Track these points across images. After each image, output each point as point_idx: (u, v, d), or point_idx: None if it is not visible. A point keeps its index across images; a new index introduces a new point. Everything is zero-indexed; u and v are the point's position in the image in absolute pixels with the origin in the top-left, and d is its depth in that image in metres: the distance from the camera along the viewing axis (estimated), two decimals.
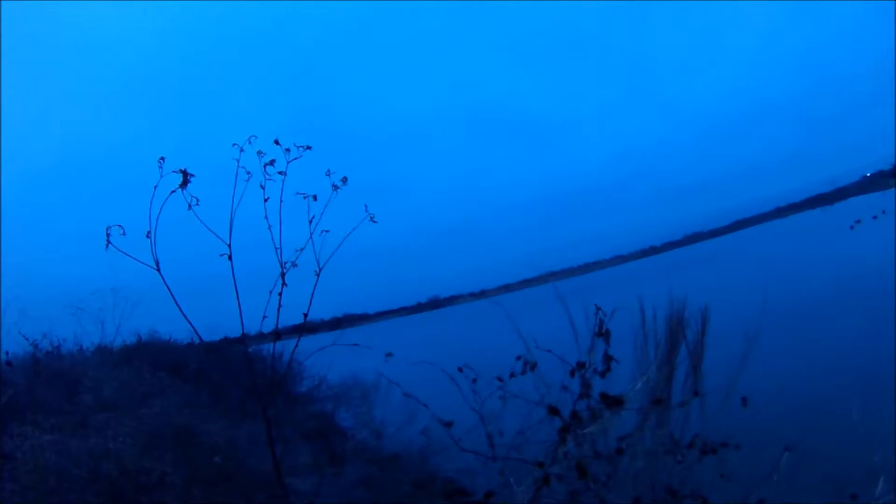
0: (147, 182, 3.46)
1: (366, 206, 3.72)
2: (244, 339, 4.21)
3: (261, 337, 4.35)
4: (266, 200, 3.75)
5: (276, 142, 3.52)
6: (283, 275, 3.74)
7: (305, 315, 3.98)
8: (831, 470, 5.13)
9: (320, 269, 3.69)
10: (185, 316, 3.81)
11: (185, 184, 3.46)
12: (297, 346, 4.23)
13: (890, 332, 10.20)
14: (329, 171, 3.74)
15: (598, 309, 3.30)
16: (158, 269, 3.62)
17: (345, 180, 3.78)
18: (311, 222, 3.57)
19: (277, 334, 3.90)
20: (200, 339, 5.57)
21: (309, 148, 3.56)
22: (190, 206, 3.41)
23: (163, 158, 3.69)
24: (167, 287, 3.68)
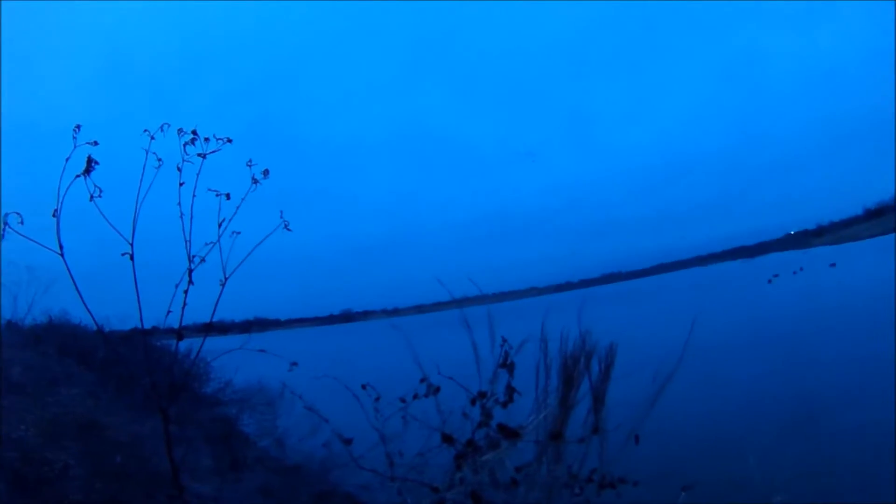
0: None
1: (281, 212, 3.60)
2: (146, 333, 4.01)
3: (171, 331, 4.15)
4: (181, 185, 3.59)
5: (194, 132, 3.35)
6: (189, 271, 3.56)
7: (211, 321, 3.80)
8: None
9: (226, 279, 3.53)
10: (85, 305, 3.59)
11: (87, 171, 3.24)
12: (202, 346, 4.07)
13: (791, 378, 10.83)
14: (250, 161, 3.61)
15: (504, 341, 3.33)
16: (62, 254, 3.39)
17: (266, 173, 3.64)
18: (220, 225, 3.39)
19: (180, 334, 3.70)
20: (101, 328, 5.31)
21: (230, 140, 3.41)
22: (92, 196, 3.19)
23: (78, 126, 3.48)
24: (69, 274, 3.45)
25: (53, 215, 3.39)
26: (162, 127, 3.41)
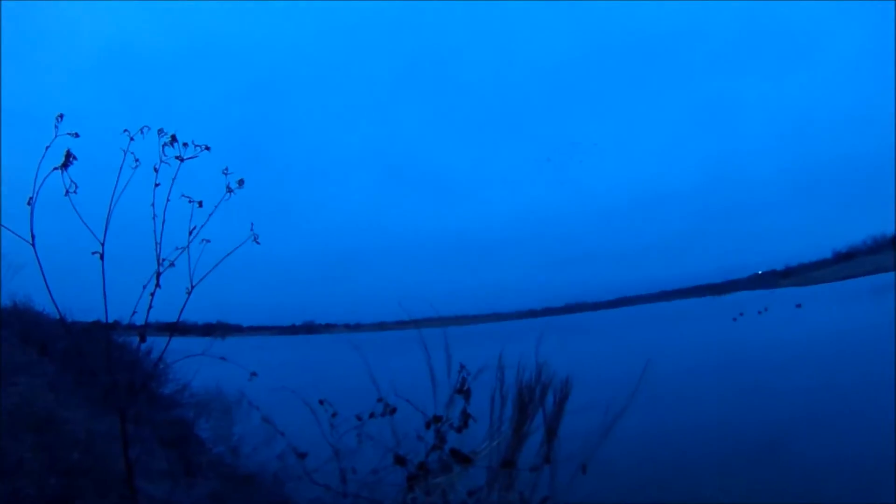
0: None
1: (251, 224, 3.63)
2: (108, 327, 3.97)
3: (133, 328, 4.13)
4: (156, 186, 3.60)
5: (173, 137, 3.37)
6: (157, 275, 3.56)
7: (175, 324, 3.80)
8: None
9: (192, 287, 3.54)
10: (50, 294, 3.56)
11: (65, 165, 3.24)
12: (165, 348, 4.04)
13: (746, 415, 11.06)
14: (226, 169, 3.64)
15: (462, 367, 3.38)
16: (33, 244, 3.38)
17: (241, 183, 3.67)
18: (190, 233, 3.41)
19: (143, 335, 3.69)
20: (63, 318, 5.21)
21: (207, 148, 3.45)
22: (67, 192, 3.20)
23: (60, 116, 3.48)
24: (39, 264, 3.43)
25: (28, 204, 3.39)
26: (142, 129, 3.44)
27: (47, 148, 3.39)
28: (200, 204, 3.40)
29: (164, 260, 3.60)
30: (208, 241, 3.48)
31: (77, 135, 3.48)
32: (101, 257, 3.31)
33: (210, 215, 3.53)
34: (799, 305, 47.64)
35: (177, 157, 3.51)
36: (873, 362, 15.22)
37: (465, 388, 3.33)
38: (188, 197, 3.39)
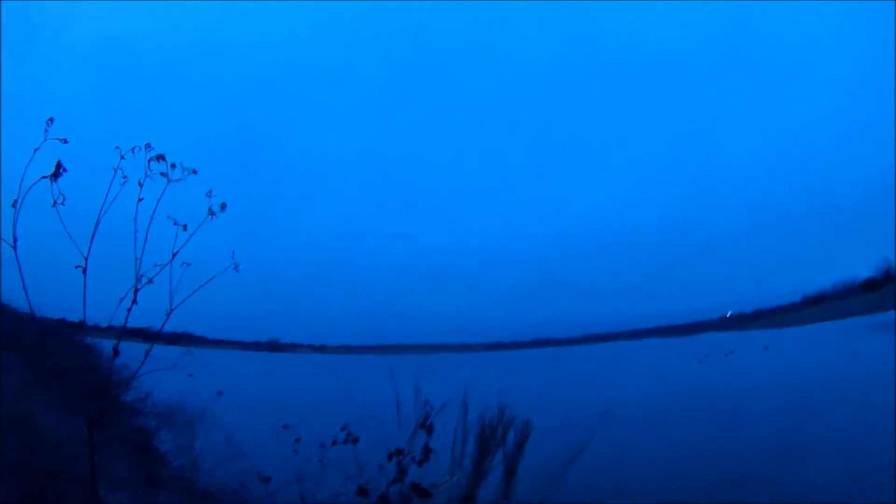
0: None
1: (233, 253, 3.71)
2: (77, 326, 3.99)
3: (101, 330, 4.15)
4: (140, 200, 3.67)
5: (162, 156, 3.46)
6: (135, 291, 3.62)
7: (146, 335, 3.84)
8: None
9: (171, 310, 3.60)
10: (26, 293, 3.58)
11: (55, 176, 3.30)
12: (143, 361, 4.06)
13: (707, 455, 11.22)
14: (210, 191, 3.72)
15: (427, 402, 3.47)
16: (15, 248, 3.41)
17: (223, 206, 3.75)
18: (174, 256, 3.48)
19: (116, 350, 3.72)
20: (34, 315, 5.17)
21: (195, 172, 3.53)
22: (55, 202, 3.25)
23: (51, 119, 3.53)
24: (18, 265, 3.47)
25: (13, 206, 3.42)
26: (133, 149, 3.52)
27: (36, 150, 3.46)
28: (185, 227, 3.47)
29: (142, 276, 3.66)
30: (189, 264, 3.55)
31: (66, 140, 3.55)
32: (84, 272, 3.36)
33: (191, 236, 3.61)
34: (766, 348, 48.03)
35: (162, 174, 3.60)
36: (837, 406, 15.48)
37: (429, 422, 3.42)
38: (173, 219, 3.46)
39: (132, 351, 3.94)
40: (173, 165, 3.58)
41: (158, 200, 3.47)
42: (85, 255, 3.39)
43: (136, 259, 3.63)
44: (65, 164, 3.32)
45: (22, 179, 3.43)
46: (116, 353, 3.67)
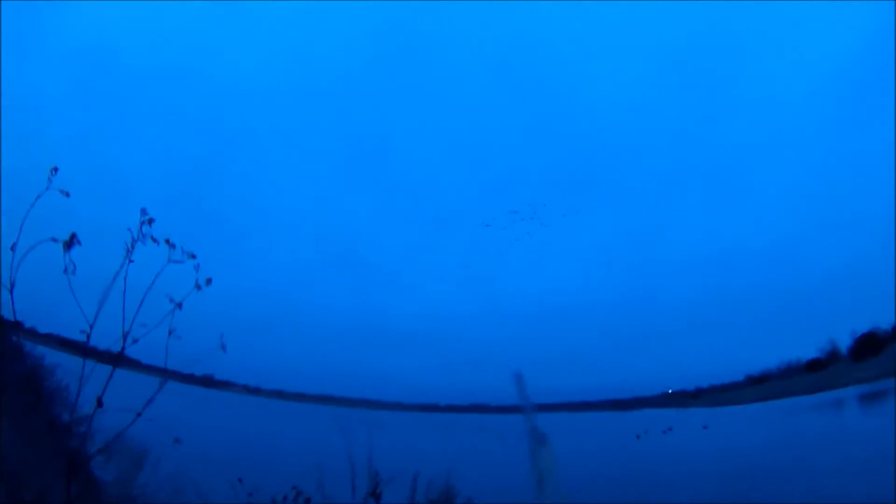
0: None
1: (221, 335, 4.17)
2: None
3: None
4: (130, 262, 4.10)
5: (168, 241, 3.96)
6: (122, 349, 4.01)
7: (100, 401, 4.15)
8: None
9: (161, 386, 3.97)
10: None
11: (69, 246, 3.73)
12: (106, 386, 4.22)
13: None
14: (198, 265, 4.18)
15: (377, 473, 3.84)
16: (11, 293, 3.77)
17: (209, 281, 4.21)
18: (170, 333, 3.93)
19: (100, 402, 4.02)
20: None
21: (193, 257, 4.02)
22: (66, 270, 3.68)
23: (55, 168, 3.97)
24: (13, 311, 3.83)
25: (11, 249, 3.79)
26: (142, 225, 4.02)
27: (38, 198, 3.89)
28: (180, 306, 3.94)
29: (127, 334, 4.07)
30: (174, 330, 4.01)
31: (68, 194, 4.01)
32: (88, 337, 3.77)
33: (179, 304, 4.07)
34: (705, 426, 48.40)
35: (152, 239, 4.08)
36: (773, 485, 15.90)
37: (377, 491, 3.77)
38: (169, 297, 3.94)
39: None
40: (169, 242, 4.08)
41: (155, 278, 3.93)
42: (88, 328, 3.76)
43: (122, 318, 4.04)
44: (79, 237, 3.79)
45: (21, 223, 3.86)
46: (100, 404, 4.02)
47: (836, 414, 42.99)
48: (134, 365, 4.15)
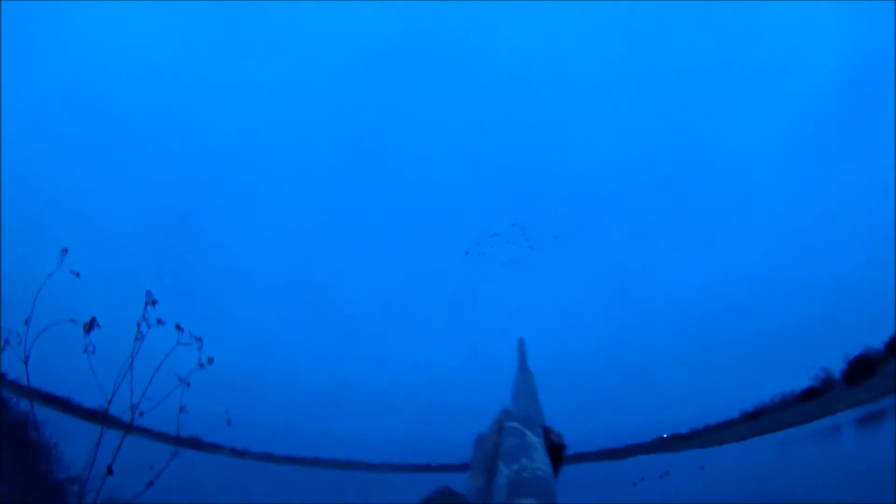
0: None
1: (227, 410, 4.60)
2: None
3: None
4: (137, 340, 4.53)
5: (178, 326, 4.42)
6: (131, 421, 4.40)
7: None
8: None
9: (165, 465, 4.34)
10: None
11: (89, 329, 4.17)
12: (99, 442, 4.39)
13: None
14: (200, 345, 4.61)
15: None
16: (26, 365, 4.13)
17: (211, 360, 4.65)
18: (181, 411, 4.37)
19: (110, 469, 4.37)
20: None
21: (200, 340, 4.48)
22: (86, 349, 4.12)
23: (65, 249, 4.40)
24: (27, 379, 4.21)
25: (25, 323, 4.16)
26: (146, 308, 4.48)
27: (50, 276, 4.32)
28: (188, 384, 4.40)
29: (136, 405, 4.46)
30: (183, 408, 4.44)
31: (78, 274, 4.44)
32: (107, 411, 4.18)
33: (186, 383, 4.50)
34: (702, 467, 47.94)
35: (158, 321, 4.53)
36: None
37: None
38: (179, 376, 4.39)
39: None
40: (180, 329, 4.54)
41: (160, 366, 4.37)
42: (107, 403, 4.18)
43: (130, 392, 4.44)
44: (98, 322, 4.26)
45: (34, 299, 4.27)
46: (110, 471, 4.36)
47: (834, 440, 42.85)
48: (118, 425, 4.52)
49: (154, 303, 4.53)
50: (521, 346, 1.28)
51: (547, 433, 1.00)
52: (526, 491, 0.78)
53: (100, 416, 4.37)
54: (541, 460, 0.86)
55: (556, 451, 1.01)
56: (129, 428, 4.50)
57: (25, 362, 4.20)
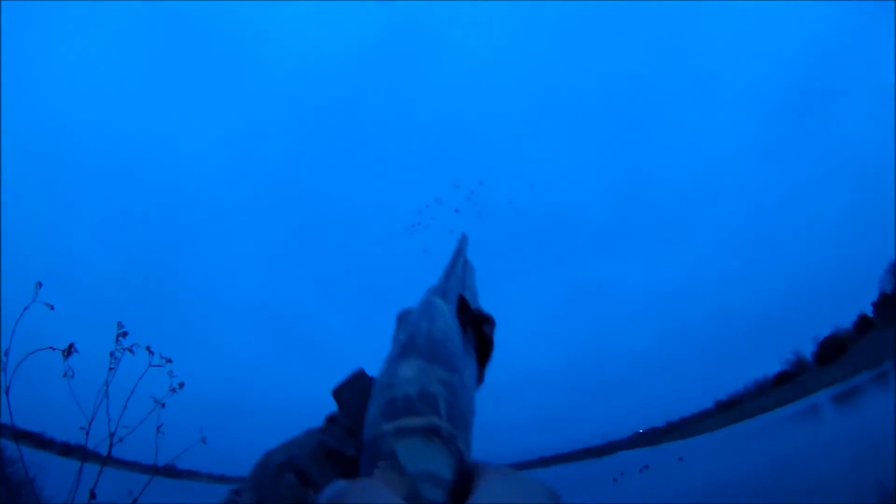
0: None
1: (201, 429, 4.60)
2: None
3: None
4: (110, 369, 4.48)
5: (148, 349, 4.37)
6: (109, 452, 4.33)
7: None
8: None
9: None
10: None
11: (67, 355, 4.09)
12: (97, 480, 4.44)
13: None
14: (171, 371, 4.55)
15: None
16: (7, 395, 4.05)
17: (181, 385, 4.61)
18: (157, 431, 4.33)
19: (93, 493, 4.30)
20: None
21: (170, 361, 4.45)
22: (66, 374, 4.02)
23: (39, 283, 4.32)
24: (10, 415, 4.13)
25: (5, 354, 4.07)
26: (118, 337, 4.44)
27: (25, 309, 4.25)
28: (163, 405, 4.35)
29: (113, 434, 4.41)
30: (160, 427, 4.40)
31: (52, 307, 4.38)
32: (87, 434, 4.09)
33: (162, 407, 4.46)
34: (681, 459, 48.68)
35: (128, 349, 4.49)
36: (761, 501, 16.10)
37: None
38: (155, 399, 4.35)
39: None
40: (149, 349, 4.49)
41: (138, 382, 4.34)
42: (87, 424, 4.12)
43: (108, 419, 4.39)
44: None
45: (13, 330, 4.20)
46: (93, 495, 4.28)
47: (812, 420, 43.78)
48: (91, 456, 4.42)
49: (125, 334, 4.48)
50: (464, 240, 1.22)
51: (464, 303, 0.91)
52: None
53: (77, 450, 4.25)
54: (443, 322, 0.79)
55: (476, 324, 0.93)
56: (106, 459, 4.41)
57: (6, 392, 4.12)
